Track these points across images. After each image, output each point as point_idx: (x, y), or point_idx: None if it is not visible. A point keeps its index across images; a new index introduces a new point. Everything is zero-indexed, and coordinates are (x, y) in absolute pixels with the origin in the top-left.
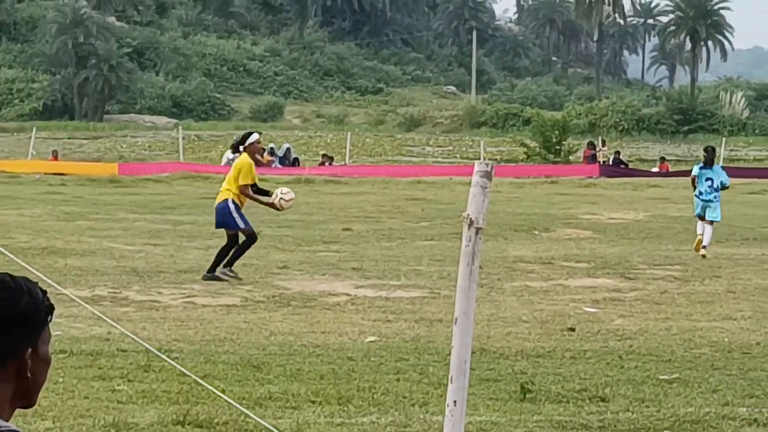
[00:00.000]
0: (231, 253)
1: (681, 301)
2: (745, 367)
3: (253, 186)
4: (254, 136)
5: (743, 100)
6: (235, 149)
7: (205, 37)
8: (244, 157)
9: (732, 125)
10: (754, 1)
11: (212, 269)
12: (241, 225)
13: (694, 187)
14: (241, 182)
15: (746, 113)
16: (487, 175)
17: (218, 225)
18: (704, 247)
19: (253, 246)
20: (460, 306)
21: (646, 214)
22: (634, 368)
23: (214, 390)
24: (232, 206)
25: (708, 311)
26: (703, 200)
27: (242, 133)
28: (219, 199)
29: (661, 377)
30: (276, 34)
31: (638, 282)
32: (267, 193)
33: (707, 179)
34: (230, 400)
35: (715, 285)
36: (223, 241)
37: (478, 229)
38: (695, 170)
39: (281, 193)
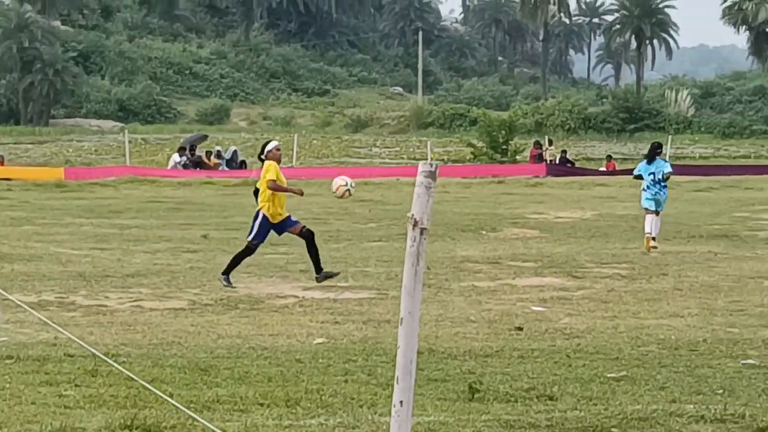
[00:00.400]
0: (231, 259)
1: (628, 299)
2: (692, 364)
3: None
4: (273, 143)
5: (689, 98)
6: (188, 155)
7: (151, 41)
8: (267, 163)
9: (678, 123)
10: None
11: (318, 270)
12: (252, 235)
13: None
14: (267, 177)
15: (692, 111)
16: (432, 175)
17: (276, 230)
18: (653, 238)
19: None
20: (405, 306)
21: (593, 212)
22: (582, 366)
23: (162, 394)
24: (260, 216)
25: (655, 309)
26: (649, 194)
27: (191, 136)
28: (259, 204)
29: (608, 375)
30: (221, 36)
31: (585, 280)
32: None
33: (650, 174)
34: (177, 404)
35: (662, 283)
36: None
37: (422, 230)
38: (637, 170)
39: (351, 186)
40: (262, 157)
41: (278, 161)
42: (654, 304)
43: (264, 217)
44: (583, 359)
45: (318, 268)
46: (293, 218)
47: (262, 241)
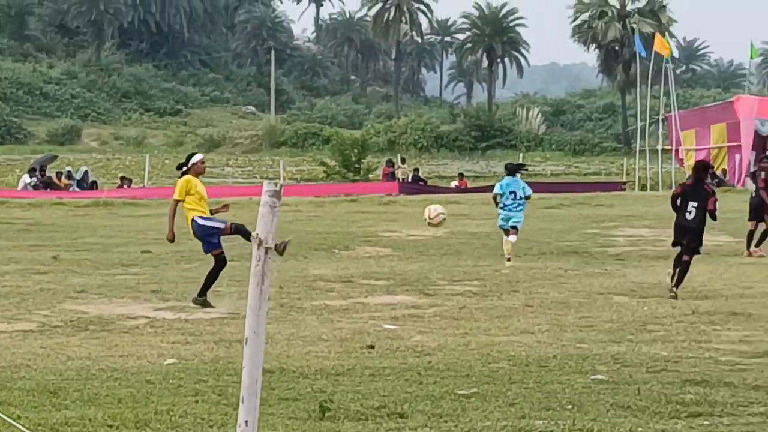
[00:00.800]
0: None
1: (479, 316)
2: (542, 380)
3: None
4: (197, 157)
5: (539, 115)
6: (180, 168)
7: (0, 61)
8: (183, 179)
9: (529, 141)
10: (550, 17)
11: (202, 293)
12: (221, 225)
13: (496, 204)
14: (174, 196)
15: (543, 129)
16: (276, 195)
17: (206, 249)
18: (512, 242)
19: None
20: (250, 326)
21: (445, 230)
22: (433, 384)
23: (7, 418)
24: (200, 221)
25: (506, 326)
26: (507, 212)
27: (41, 156)
28: (188, 222)
29: (459, 392)
30: (72, 56)
31: (437, 298)
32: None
33: (511, 192)
34: (24, 428)
35: (512, 299)
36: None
37: (267, 249)
38: (498, 188)
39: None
40: (184, 168)
41: (201, 174)
42: (505, 320)
43: (201, 218)
44: (434, 376)
45: (203, 292)
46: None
47: (218, 234)
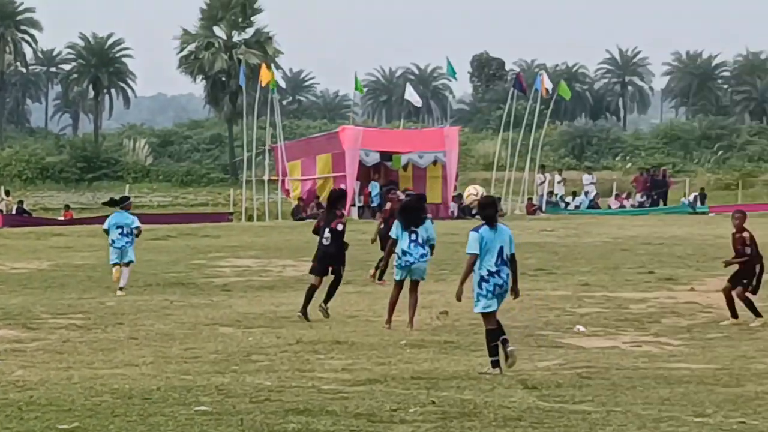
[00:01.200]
0: None
1: (83, 350)
2: (145, 413)
3: None
4: None
5: (146, 146)
6: None
7: None
8: None
9: (136, 172)
10: (157, 48)
11: None
12: None
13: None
14: None
15: (150, 160)
16: None
17: None
18: (121, 288)
19: None
20: None
21: (49, 263)
22: (34, 419)
23: None
24: None
25: (110, 358)
26: (115, 248)
27: None
28: None
29: (60, 427)
30: None
31: (41, 332)
32: None
33: (118, 227)
34: None
35: (117, 332)
36: None
37: None
38: (106, 224)
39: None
40: None
41: None
42: (109, 353)
43: None
44: (35, 411)
45: None
46: None
47: None
